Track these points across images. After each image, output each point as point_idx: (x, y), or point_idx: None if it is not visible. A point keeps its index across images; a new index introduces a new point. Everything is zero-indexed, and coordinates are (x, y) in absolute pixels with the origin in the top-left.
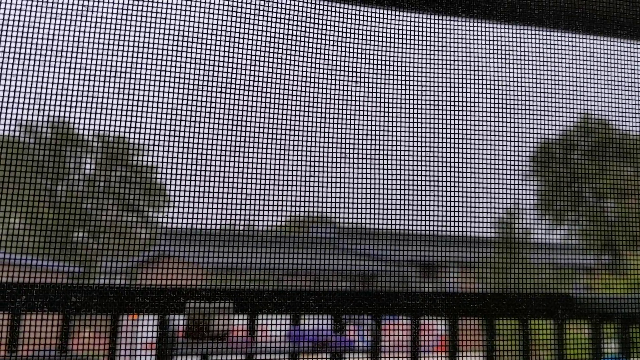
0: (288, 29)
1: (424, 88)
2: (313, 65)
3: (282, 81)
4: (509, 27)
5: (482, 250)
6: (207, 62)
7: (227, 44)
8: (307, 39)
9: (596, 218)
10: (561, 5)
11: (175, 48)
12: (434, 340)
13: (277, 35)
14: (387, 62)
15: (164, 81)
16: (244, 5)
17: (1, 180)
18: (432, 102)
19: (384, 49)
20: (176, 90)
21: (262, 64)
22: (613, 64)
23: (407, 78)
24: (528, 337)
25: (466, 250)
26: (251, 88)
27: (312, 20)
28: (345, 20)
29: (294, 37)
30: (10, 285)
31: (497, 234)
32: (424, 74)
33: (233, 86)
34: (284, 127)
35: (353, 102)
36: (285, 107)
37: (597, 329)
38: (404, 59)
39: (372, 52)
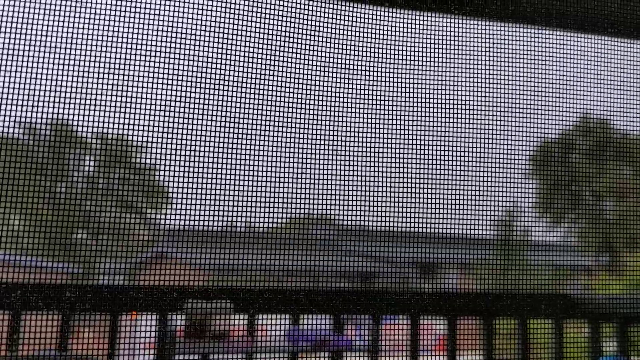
0: (286, 25)
1: (419, 87)
2: (309, 63)
3: (281, 78)
4: (502, 25)
5: (481, 250)
6: (204, 60)
7: (225, 41)
8: (303, 36)
9: (595, 218)
10: (552, 3)
11: (171, 46)
12: (433, 340)
13: (274, 32)
14: (382, 60)
15: (163, 80)
16: (240, 2)
17: (1, 180)
18: (427, 102)
19: (379, 46)
20: (175, 90)
21: (260, 61)
22: (608, 62)
23: (401, 76)
24: (527, 336)
25: (465, 250)
26: (250, 86)
27: (306, 16)
28: (338, 17)
29: (292, 33)
30: (10, 285)
31: (497, 233)
32: (418, 73)
33: (232, 84)
34: (283, 126)
35: (352, 101)
36: (282, 105)
37: (596, 328)
38: (398, 57)
39: (367, 49)
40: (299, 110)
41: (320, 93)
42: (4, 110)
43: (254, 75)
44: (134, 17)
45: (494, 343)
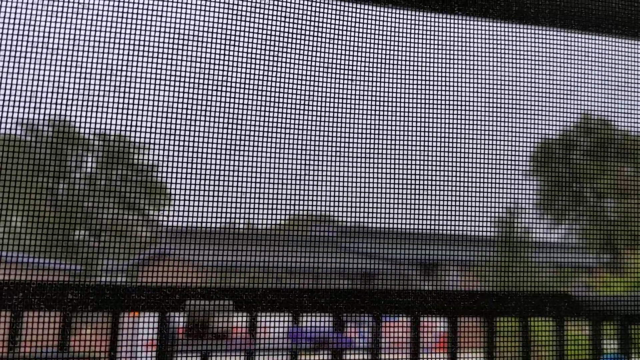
0: (284, 27)
1: (420, 87)
2: (311, 63)
3: (281, 80)
4: (505, 25)
5: (482, 249)
6: (204, 61)
7: (223, 42)
8: (303, 37)
9: (596, 217)
10: (557, 4)
11: (172, 47)
12: (434, 339)
13: (273, 33)
14: (383, 61)
15: (163, 80)
16: (239, 3)
17: (2, 179)
18: (430, 101)
19: (379, 47)
20: (175, 89)
21: (260, 61)
22: (610, 63)
23: (404, 76)
24: (528, 335)
25: (466, 249)
26: (250, 86)
27: (307, 19)
28: (340, 18)
29: (289, 35)
30: (11, 283)
31: (498, 233)
32: (420, 73)
33: (232, 84)
34: (283, 125)
35: (352, 101)
36: (283, 105)
37: (597, 328)
38: (400, 57)
39: (369, 50)
40: (300, 110)
41: (323, 93)
42: (5, 109)
43: (256, 76)
44: (135, 17)
45: (495, 342)
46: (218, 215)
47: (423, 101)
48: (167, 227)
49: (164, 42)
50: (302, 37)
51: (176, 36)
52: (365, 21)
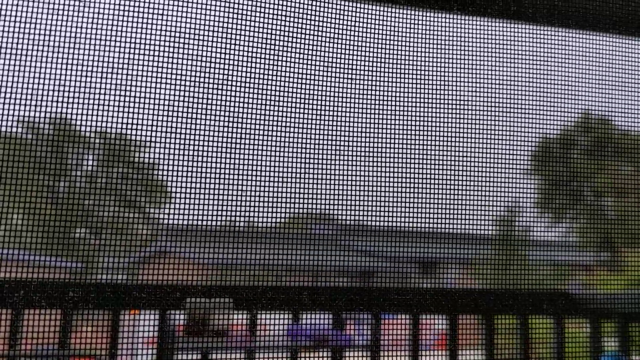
0: (285, 25)
1: (421, 86)
2: (311, 62)
3: (281, 78)
4: (504, 24)
5: (481, 247)
6: (205, 59)
7: (224, 39)
8: (303, 36)
9: (595, 215)
10: (554, 3)
11: (173, 44)
12: (434, 337)
13: (274, 31)
14: (383, 59)
15: (163, 77)
16: (244, 2)
17: (2, 177)
18: (429, 101)
19: (379, 45)
20: (175, 87)
21: (260, 59)
22: (609, 61)
23: (404, 76)
24: (527, 334)
25: (466, 248)
26: (250, 84)
27: (307, 17)
28: (340, 16)
29: (291, 33)
30: (13, 284)
31: (497, 231)
32: (420, 72)
33: (234, 82)
34: (283, 124)
35: (351, 99)
36: (283, 103)
37: (596, 326)
38: (399, 56)
39: (369, 48)
40: (299, 109)
41: (322, 92)
42: (6, 107)
43: (255, 74)
44: (138, 16)
45: (494, 340)
46: (218, 213)
47: (425, 99)
48: (167, 225)
49: (164, 41)
50: (304, 34)
51: (178, 35)
52: (365, 19)
